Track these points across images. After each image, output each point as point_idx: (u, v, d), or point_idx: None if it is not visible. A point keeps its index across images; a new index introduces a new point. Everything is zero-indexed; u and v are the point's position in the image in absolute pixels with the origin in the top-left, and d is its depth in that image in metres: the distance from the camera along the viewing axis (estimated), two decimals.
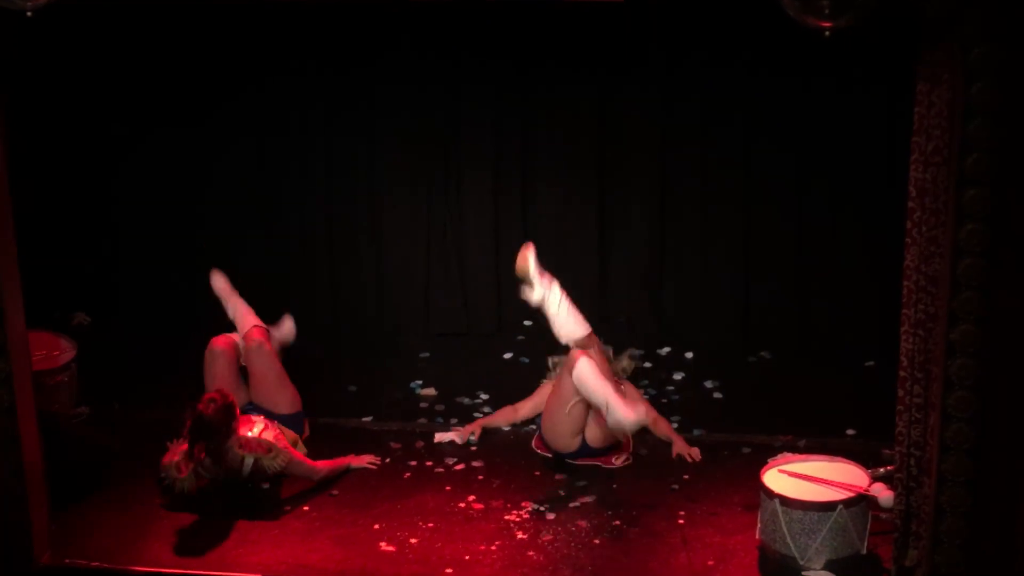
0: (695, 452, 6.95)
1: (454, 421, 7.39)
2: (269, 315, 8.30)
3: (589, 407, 6.72)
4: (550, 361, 7.35)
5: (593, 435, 6.82)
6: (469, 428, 7.23)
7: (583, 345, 6.90)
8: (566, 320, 7.01)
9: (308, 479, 6.63)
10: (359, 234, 8.51)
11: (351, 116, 8.27)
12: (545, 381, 7.32)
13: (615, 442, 6.90)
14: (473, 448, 7.08)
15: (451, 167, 8.36)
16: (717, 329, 8.26)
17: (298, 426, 6.95)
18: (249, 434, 6.45)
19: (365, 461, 6.89)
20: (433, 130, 8.30)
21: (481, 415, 7.40)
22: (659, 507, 6.48)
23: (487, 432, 7.23)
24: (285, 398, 6.92)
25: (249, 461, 6.41)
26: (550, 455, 6.97)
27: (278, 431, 6.66)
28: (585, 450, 6.85)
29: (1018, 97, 4.89)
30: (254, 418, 6.65)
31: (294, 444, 6.80)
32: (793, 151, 8.05)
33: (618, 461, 6.88)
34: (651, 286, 8.35)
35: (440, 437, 7.19)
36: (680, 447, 6.97)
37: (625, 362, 7.53)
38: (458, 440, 7.14)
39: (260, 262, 8.48)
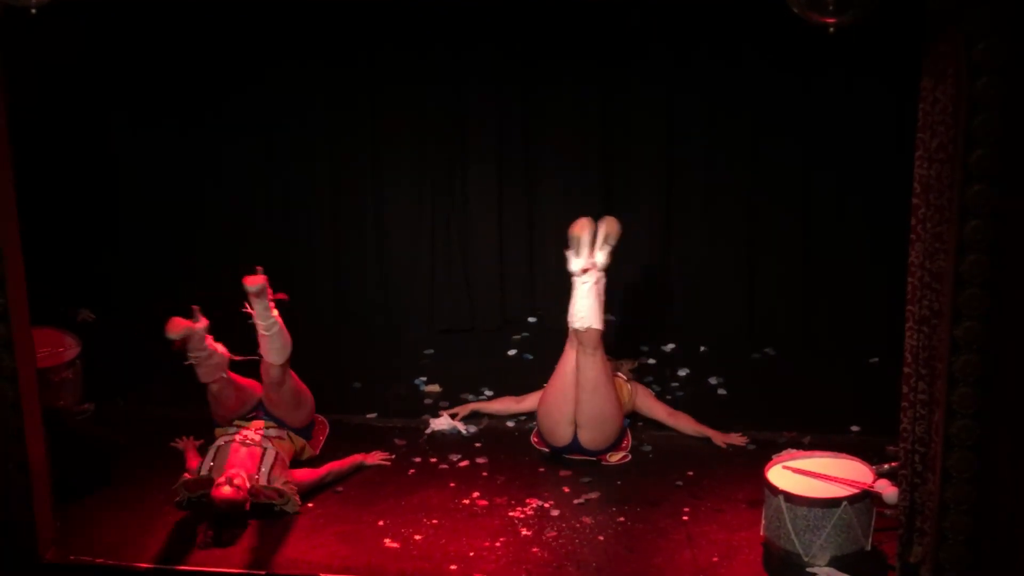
0: (734, 438, 6.98)
1: (445, 404, 7.45)
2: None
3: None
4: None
5: (586, 437, 6.82)
6: (462, 409, 7.32)
7: (588, 340, 6.82)
8: (589, 306, 6.74)
9: (321, 483, 6.64)
10: (363, 230, 8.51)
11: (354, 112, 8.27)
12: None
13: (609, 444, 6.89)
14: (477, 444, 7.09)
15: (455, 163, 8.36)
16: (721, 325, 8.26)
17: (307, 432, 6.94)
18: (263, 469, 6.44)
19: (378, 459, 6.89)
20: (437, 126, 8.30)
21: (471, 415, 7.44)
22: (663, 504, 6.48)
23: (491, 429, 7.24)
24: (299, 416, 6.85)
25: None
26: (547, 449, 6.97)
27: (286, 438, 6.68)
28: (577, 446, 6.84)
29: (1023, 92, 4.88)
30: (262, 424, 6.67)
31: (301, 450, 6.80)
32: (798, 147, 8.05)
33: (614, 459, 6.88)
34: (656, 282, 8.35)
35: (436, 424, 7.22)
36: (718, 437, 6.98)
37: (631, 364, 7.55)
38: (457, 427, 7.19)
39: (263, 259, 8.47)
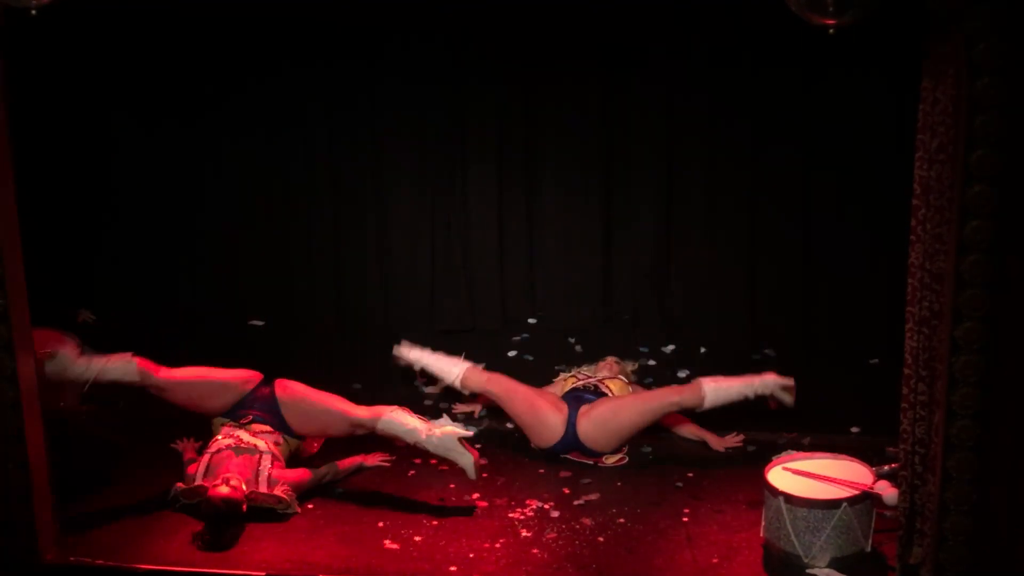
0: (730, 439, 6.98)
1: (444, 405, 7.46)
2: (272, 312, 8.32)
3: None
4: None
5: (587, 430, 6.80)
6: (468, 407, 7.37)
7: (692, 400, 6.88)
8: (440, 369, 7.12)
9: (319, 483, 6.63)
10: (363, 230, 8.50)
11: (354, 112, 8.27)
12: (557, 379, 7.37)
13: (604, 451, 6.87)
14: (477, 445, 7.08)
15: (455, 163, 8.36)
16: (722, 325, 8.26)
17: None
18: (260, 462, 6.42)
19: (377, 460, 6.89)
20: (437, 126, 8.29)
21: (485, 411, 7.43)
22: (663, 504, 6.48)
23: (491, 430, 7.24)
24: (305, 430, 6.80)
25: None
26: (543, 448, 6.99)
27: (279, 438, 6.66)
28: (573, 439, 6.82)
29: (1023, 92, 4.88)
30: (258, 428, 6.64)
31: (296, 450, 6.78)
32: (798, 147, 8.04)
33: (610, 461, 6.87)
34: (656, 282, 8.35)
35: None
36: (716, 441, 6.97)
37: (632, 365, 7.55)
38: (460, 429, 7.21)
39: (263, 259, 8.49)
